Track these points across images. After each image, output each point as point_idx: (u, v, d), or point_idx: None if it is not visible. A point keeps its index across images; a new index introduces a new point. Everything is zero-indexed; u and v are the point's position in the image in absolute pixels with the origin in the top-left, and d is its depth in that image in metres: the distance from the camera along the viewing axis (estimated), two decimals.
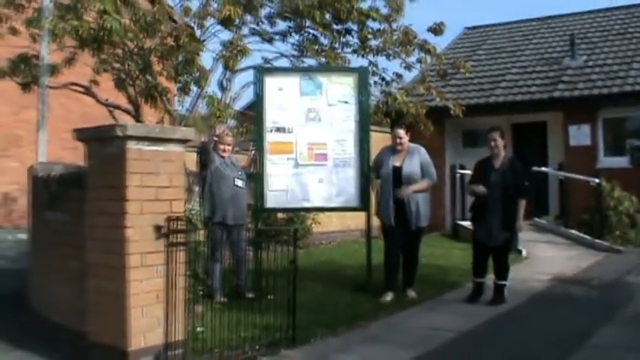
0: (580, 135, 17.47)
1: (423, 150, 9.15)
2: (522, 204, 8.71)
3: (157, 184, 5.44)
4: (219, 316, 6.18)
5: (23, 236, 17.61)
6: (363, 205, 9.54)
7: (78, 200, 5.93)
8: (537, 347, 6.65)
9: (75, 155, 14.88)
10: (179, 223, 5.52)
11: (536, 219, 16.93)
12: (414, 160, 8.96)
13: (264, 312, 6.70)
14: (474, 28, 25.52)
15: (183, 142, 5.78)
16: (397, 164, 8.96)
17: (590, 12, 23.11)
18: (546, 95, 18.11)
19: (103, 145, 5.52)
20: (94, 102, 12.07)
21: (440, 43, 12.72)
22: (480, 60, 21.93)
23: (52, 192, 6.74)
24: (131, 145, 5.29)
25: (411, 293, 9.02)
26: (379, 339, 7.00)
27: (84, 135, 5.88)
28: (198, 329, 6.25)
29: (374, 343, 6.85)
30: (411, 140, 9.27)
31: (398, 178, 8.90)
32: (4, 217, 19.62)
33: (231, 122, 11.30)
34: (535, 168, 16.91)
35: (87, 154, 5.83)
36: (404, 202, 8.85)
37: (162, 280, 5.44)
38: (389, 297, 8.79)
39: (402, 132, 8.99)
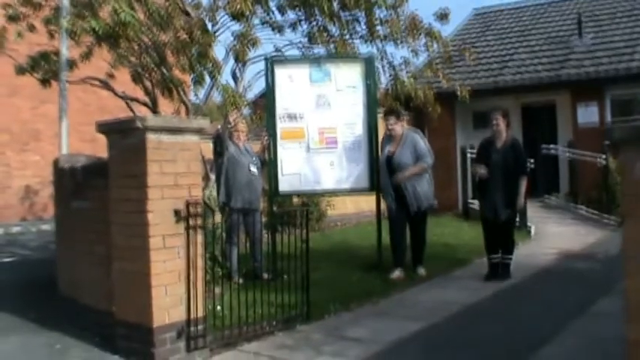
0: (588, 114, 17.71)
1: (417, 135, 9.50)
2: (523, 181, 9.00)
3: (175, 171, 5.79)
4: (236, 295, 6.51)
5: (46, 227, 18.19)
6: (372, 186, 9.88)
7: (102, 188, 6.30)
8: (538, 316, 7.00)
9: (93, 147, 15.35)
10: (197, 207, 5.89)
11: (547, 197, 17.24)
12: (407, 145, 9.28)
13: (279, 291, 6.98)
14: (483, 10, 25.74)
15: (199, 131, 6.13)
16: (392, 150, 9.35)
17: None
18: (554, 75, 18.36)
19: (125, 136, 5.89)
20: (111, 95, 12.45)
21: (450, 25, 12.94)
22: (489, 42, 22.21)
23: (77, 182, 7.12)
24: (151, 136, 5.64)
25: (421, 270, 9.39)
26: (389, 313, 7.39)
27: (105, 127, 6.25)
28: (218, 308, 6.63)
29: (384, 317, 7.23)
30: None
31: (392, 164, 9.29)
32: (26, 210, 20.12)
33: (245, 111, 11.60)
34: (544, 147, 17.20)
35: (109, 145, 6.19)
36: (401, 187, 9.22)
37: (183, 260, 5.79)
38: (396, 274, 9.16)
39: (392, 120, 9.36)
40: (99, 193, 6.48)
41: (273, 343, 6.30)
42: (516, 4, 25.07)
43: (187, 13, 9.97)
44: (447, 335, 6.51)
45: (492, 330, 6.59)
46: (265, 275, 8.71)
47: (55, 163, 8.15)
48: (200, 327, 5.88)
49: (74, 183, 7.21)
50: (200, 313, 5.89)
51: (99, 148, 17.33)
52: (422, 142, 9.44)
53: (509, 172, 8.96)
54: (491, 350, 5.88)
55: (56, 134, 20.02)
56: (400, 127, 9.41)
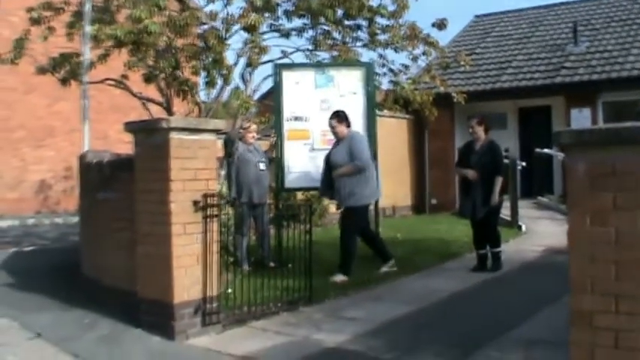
0: (581, 118, 18.35)
1: (355, 136, 9.55)
2: (498, 181, 9.68)
3: (195, 167, 6.53)
4: (245, 281, 7.29)
5: (59, 220, 18.94)
6: None
7: (128, 181, 7.05)
8: (515, 302, 7.79)
9: (105, 144, 16.10)
10: (213, 198, 6.65)
11: (540, 197, 17.97)
12: (344, 146, 9.43)
13: (284, 277, 7.78)
14: (484, 15, 26.46)
15: (215, 131, 6.92)
16: (332, 150, 9.74)
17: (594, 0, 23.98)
18: (549, 81, 19.07)
19: (150, 135, 6.64)
20: (122, 93, 13.22)
21: (452, 29, 13.67)
22: (488, 47, 22.90)
23: (104, 175, 7.88)
24: (174, 135, 6.39)
25: (337, 277, 9.22)
26: (383, 298, 8.15)
27: (133, 127, 6.99)
28: (229, 290, 7.38)
29: (378, 301, 7.99)
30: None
31: (329, 162, 9.67)
32: (40, 203, 20.88)
33: (253, 110, 12.29)
34: (537, 150, 17.92)
35: (135, 142, 6.94)
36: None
37: (200, 245, 6.54)
38: (337, 277, 9.20)
39: (332, 122, 9.53)
40: (124, 185, 7.25)
41: (279, 321, 7.05)
42: (516, 10, 25.78)
43: (203, 22, 10.77)
44: (432, 316, 7.28)
45: (473, 313, 7.38)
46: (272, 264, 9.47)
47: (82, 158, 8.89)
48: (214, 305, 6.62)
49: (101, 176, 7.97)
50: (214, 293, 6.63)
51: (110, 144, 18.19)
52: (358, 144, 9.42)
53: (486, 172, 9.67)
54: (470, 329, 6.63)
55: (70, 130, 21.03)
56: (342, 129, 9.52)
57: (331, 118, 9.60)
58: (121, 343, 6.34)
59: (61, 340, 6.39)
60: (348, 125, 9.60)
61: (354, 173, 9.31)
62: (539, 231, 14.28)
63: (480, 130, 9.96)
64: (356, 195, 9.31)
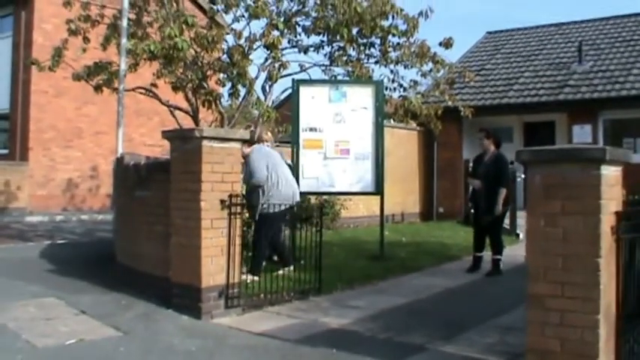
0: (583, 134, 19.21)
1: (250, 156, 9.49)
2: (501, 192, 10.43)
3: (222, 171, 7.56)
4: (263, 273, 8.35)
5: (85, 217, 20.02)
6: (378, 190, 11.68)
7: (163, 181, 8.08)
8: (500, 298, 8.77)
9: (130, 146, 17.09)
10: (237, 198, 7.67)
11: None
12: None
13: (297, 271, 8.89)
14: (495, 32, 27.39)
15: (240, 141, 7.95)
16: None
17: (601, 19, 24.84)
18: (553, 98, 19.94)
19: (184, 142, 7.66)
20: (145, 99, 14.19)
21: (463, 46, 14.40)
22: (497, 63, 23.82)
23: (141, 176, 8.93)
24: (205, 143, 7.41)
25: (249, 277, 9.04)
26: (384, 291, 9.16)
27: (169, 134, 8.05)
28: (248, 280, 8.39)
29: (380, 294, 9.00)
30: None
31: None
32: (67, 201, 21.98)
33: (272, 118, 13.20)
34: None
35: (171, 148, 7.95)
36: None
37: (225, 239, 7.55)
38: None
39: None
40: (159, 185, 8.30)
41: (291, 307, 8.08)
42: (526, 27, 26.75)
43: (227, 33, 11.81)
44: (426, 306, 8.29)
45: (462, 305, 8.40)
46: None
47: (120, 160, 9.94)
48: (236, 290, 7.64)
49: (138, 176, 9.01)
50: (236, 280, 7.65)
51: (134, 146, 19.18)
52: (250, 163, 9.47)
53: (490, 183, 10.45)
54: (457, 317, 7.62)
55: (96, 133, 22.16)
56: (244, 149, 9.30)
57: None
58: (155, 320, 7.35)
59: (102, 316, 7.41)
60: (252, 143, 9.70)
61: (255, 189, 9.47)
62: None
63: (487, 143, 10.79)
64: (255, 205, 9.41)
